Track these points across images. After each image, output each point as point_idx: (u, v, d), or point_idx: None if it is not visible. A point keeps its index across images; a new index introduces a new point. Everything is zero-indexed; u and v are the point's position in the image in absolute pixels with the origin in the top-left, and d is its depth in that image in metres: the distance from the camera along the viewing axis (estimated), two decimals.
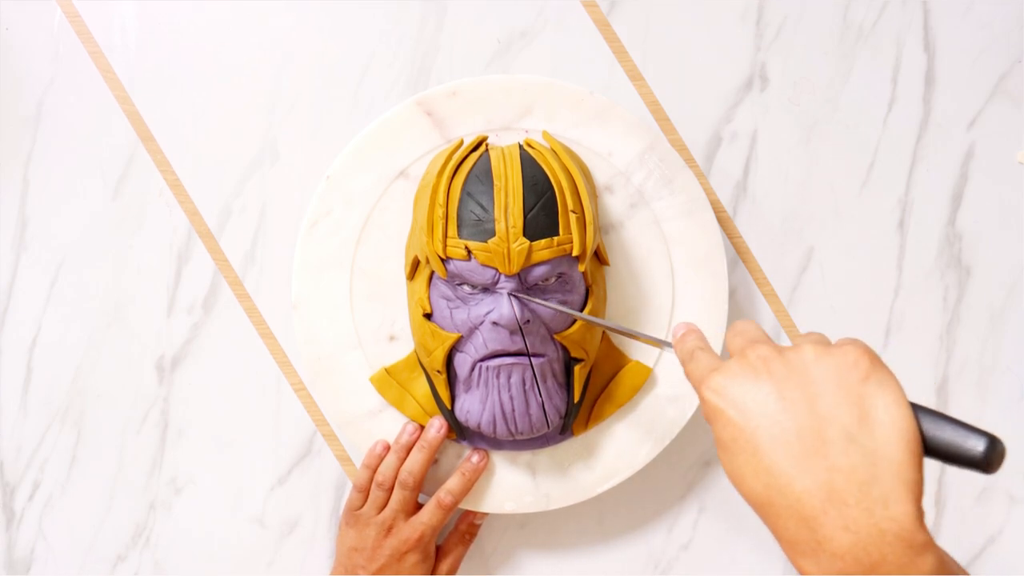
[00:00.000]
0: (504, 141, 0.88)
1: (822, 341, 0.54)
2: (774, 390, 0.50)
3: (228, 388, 0.95)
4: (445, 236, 0.81)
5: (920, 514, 0.48)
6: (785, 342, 0.95)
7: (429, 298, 0.84)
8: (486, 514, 0.94)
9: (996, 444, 0.51)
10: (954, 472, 0.97)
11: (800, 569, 0.49)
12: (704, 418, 0.58)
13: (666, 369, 0.90)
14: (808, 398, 0.49)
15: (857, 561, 0.46)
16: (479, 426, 0.85)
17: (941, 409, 0.97)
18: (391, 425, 0.90)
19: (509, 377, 0.83)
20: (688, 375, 0.58)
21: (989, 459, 0.50)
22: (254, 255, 0.95)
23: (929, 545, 0.47)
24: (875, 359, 0.51)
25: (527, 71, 0.93)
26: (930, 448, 0.52)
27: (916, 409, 0.52)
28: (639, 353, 0.90)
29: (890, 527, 0.46)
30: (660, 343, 0.70)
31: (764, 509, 0.50)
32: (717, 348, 0.90)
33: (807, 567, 0.48)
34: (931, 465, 0.96)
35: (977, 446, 0.50)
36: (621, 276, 0.90)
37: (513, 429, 0.84)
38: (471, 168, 0.83)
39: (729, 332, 0.59)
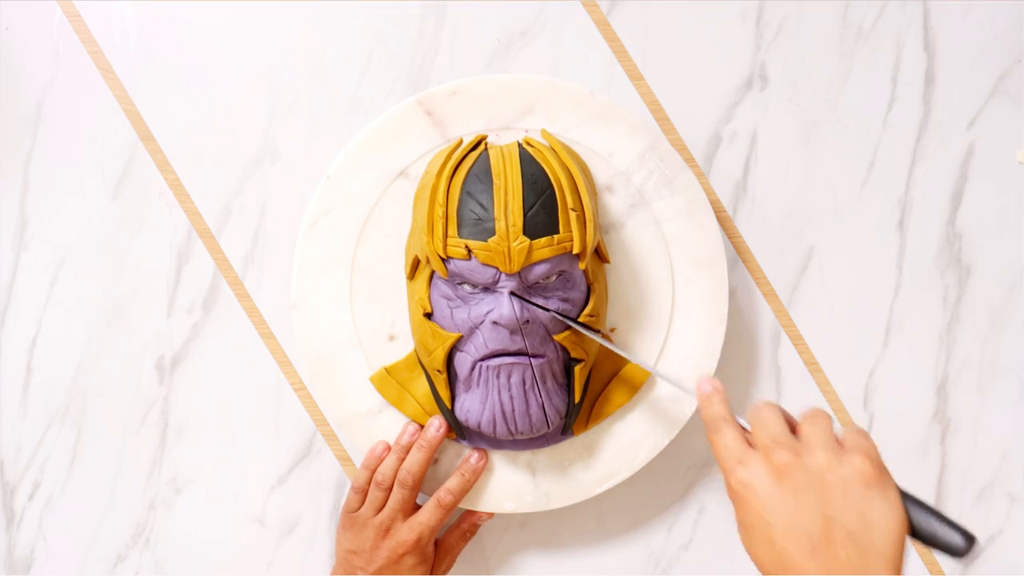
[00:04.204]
0: (504, 141, 0.88)
1: (832, 446, 0.61)
2: (792, 494, 0.59)
3: (228, 388, 0.95)
4: (445, 235, 0.81)
5: None
6: (785, 342, 0.96)
7: (429, 297, 0.84)
8: (492, 514, 0.93)
9: (973, 541, 0.59)
10: (954, 473, 0.97)
11: None
12: (728, 495, 0.65)
13: (666, 370, 0.90)
14: (820, 502, 0.59)
15: None
16: (479, 426, 0.85)
17: (941, 410, 0.97)
18: (391, 425, 0.90)
19: (509, 377, 0.83)
20: (713, 447, 0.65)
21: (967, 551, 0.59)
22: (254, 255, 0.95)
23: None
24: (880, 468, 0.60)
25: (527, 71, 0.93)
26: (916, 533, 0.60)
27: (908, 500, 0.60)
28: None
29: None
30: (684, 389, 0.77)
31: None
32: (717, 351, 0.90)
33: None
34: (930, 467, 0.97)
35: (960, 542, 0.59)
36: (621, 276, 0.90)
37: (513, 429, 0.84)
38: (471, 167, 0.83)
39: (754, 421, 0.65)
